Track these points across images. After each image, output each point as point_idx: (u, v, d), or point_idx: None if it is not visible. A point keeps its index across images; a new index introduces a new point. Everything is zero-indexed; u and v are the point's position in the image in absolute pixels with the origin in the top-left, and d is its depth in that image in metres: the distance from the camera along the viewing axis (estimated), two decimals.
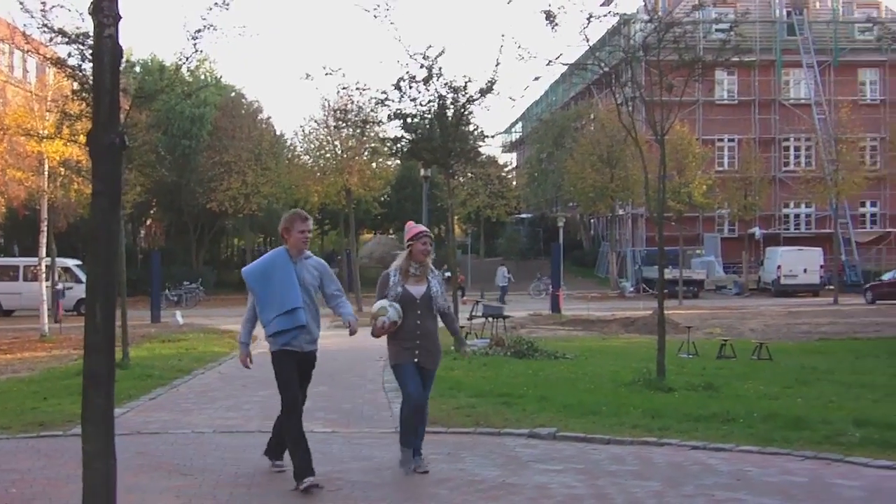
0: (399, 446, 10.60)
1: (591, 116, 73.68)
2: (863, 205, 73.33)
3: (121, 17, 6.09)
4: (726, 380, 19.78)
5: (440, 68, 27.97)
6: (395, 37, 54.25)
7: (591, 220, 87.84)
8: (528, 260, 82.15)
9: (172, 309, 48.62)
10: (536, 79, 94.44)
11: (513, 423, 14.03)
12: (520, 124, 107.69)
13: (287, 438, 9.92)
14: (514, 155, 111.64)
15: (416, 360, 10.39)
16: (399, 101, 28.73)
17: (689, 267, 62.77)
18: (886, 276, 58.57)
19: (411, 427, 10.42)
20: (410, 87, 28.27)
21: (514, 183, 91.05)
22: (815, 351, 28.80)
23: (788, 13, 75.16)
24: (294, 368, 9.99)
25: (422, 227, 10.73)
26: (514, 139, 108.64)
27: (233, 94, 71.71)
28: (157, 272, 44.73)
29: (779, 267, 62.67)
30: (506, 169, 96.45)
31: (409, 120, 29.13)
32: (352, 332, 10.23)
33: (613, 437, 12.83)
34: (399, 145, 30.86)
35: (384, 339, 10.55)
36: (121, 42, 6.13)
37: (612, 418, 14.43)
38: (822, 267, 63.06)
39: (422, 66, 27.88)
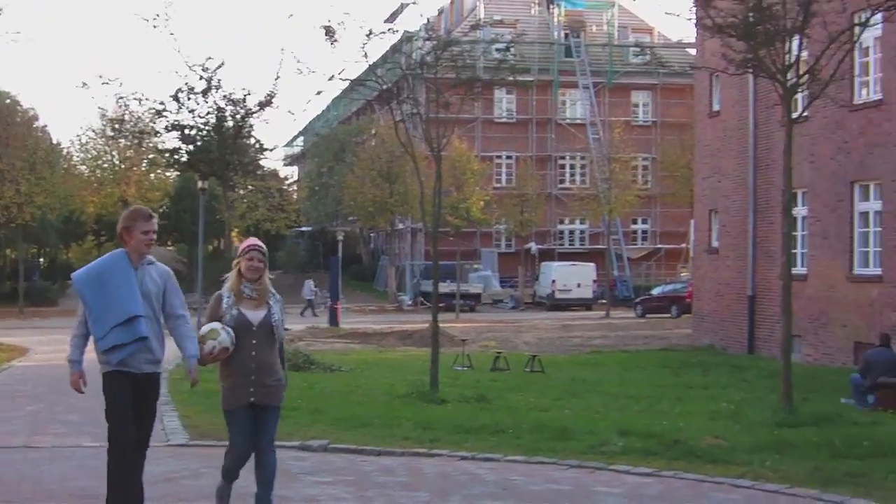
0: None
1: (372, 132, 73.93)
2: (634, 222, 75.43)
3: None
4: (499, 392, 20.15)
5: (219, 80, 27.79)
6: (175, 47, 53.42)
7: (371, 234, 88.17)
8: (307, 273, 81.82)
9: None
10: (319, 93, 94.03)
11: (284, 436, 13.94)
12: (301, 138, 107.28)
13: (110, 483, 8.42)
14: (295, 168, 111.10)
15: (251, 399, 8.78)
16: (177, 113, 28.38)
17: (467, 281, 63.55)
18: (656, 291, 60.46)
19: (232, 477, 9.12)
20: (189, 99, 27.98)
21: (295, 196, 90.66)
22: (585, 363, 29.53)
23: (566, 35, 76.89)
24: (129, 395, 8.34)
25: (253, 241, 9.18)
26: (295, 153, 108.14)
27: (7, 100, 69.45)
28: None
29: (553, 281, 63.92)
30: (287, 182, 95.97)
31: (187, 131, 28.77)
32: (193, 383, 8.71)
33: (384, 448, 12.96)
34: (177, 157, 30.43)
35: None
36: None
37: (384, 430, 14.56)
38: (594, 282, 64.60)
39: (201, 78, 27.64)
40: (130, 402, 8.35)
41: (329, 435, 13.98)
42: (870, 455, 11.49)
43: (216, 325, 8.69)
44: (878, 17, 21.36)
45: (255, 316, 8.93)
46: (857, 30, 20.48)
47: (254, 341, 8.86)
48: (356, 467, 11.87)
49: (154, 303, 8.54)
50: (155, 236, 8.71)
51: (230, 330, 8.69)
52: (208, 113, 28.03)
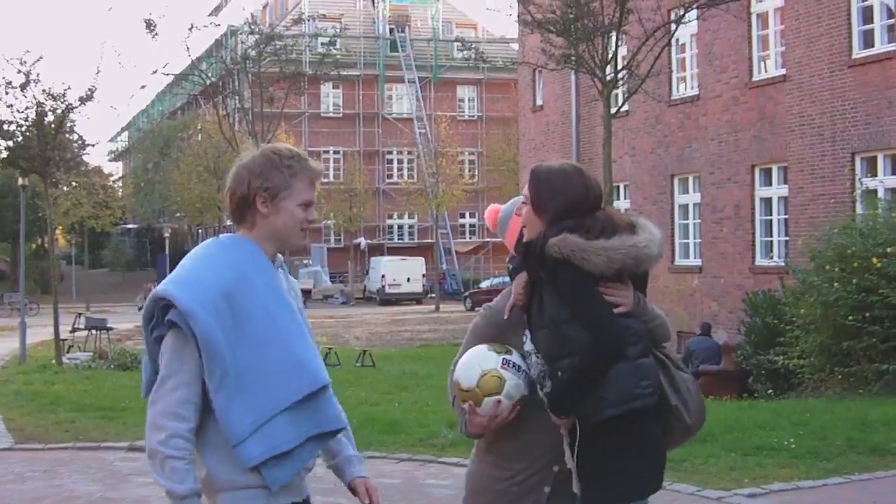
0: None
1: (198, 126, 73.07)
2: (462, 216, 75.98)
3: None
4: None
5: (38, 74, 27.19)
6: None
7: (199, 231, 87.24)
8: (134, 271, 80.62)
9: None
10: (142, 87, 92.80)
11: (113, 436, 13.84)
12: (126, 133, 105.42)
13: None
14: (120, 164, 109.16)
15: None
16: None
17: (297, 277, 63.20)
18: (484, 285, 61.08)
19: None
20: (7, 93, 27.33)
21: (121, 193, 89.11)
22: (416, 357, 29.79)
23: (391, 30, 77.03)
24: None
25: None
26: (120, 148, 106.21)
27: None
28: None
29: (383, 276, 64.03)
30: (112, 178, 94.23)
31: (5, 127, 28.09)
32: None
33: None
34: None
35: None
36: None
37: None
38: (424, 276, 64.96)
39: (19, 72, 27.01)
40: None
41: None
42: (691, 440, 11.89)
43: (491, 354, 4.25)
44: (693, 14, 22.06)
45: None
46: (672, 26, 21.13)
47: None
48: None
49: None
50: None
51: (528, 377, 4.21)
52: (27, 108, 27.40)
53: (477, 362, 4.20)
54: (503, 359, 4.18)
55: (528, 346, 4.19)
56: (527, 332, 4.19)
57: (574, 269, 3.95)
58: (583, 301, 3.99)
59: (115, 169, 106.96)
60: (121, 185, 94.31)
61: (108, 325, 31.47)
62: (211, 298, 3.77)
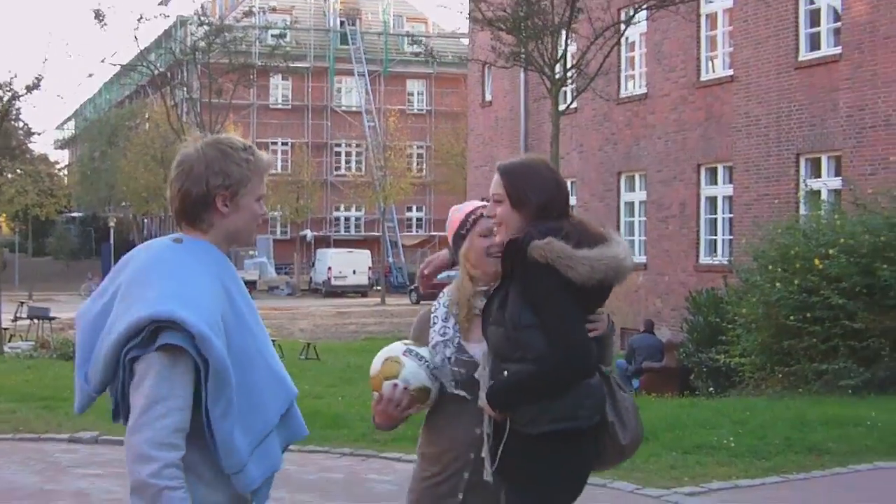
0: None
1: (146, 116, 72.61)
2: (409, 209, 76.07)
3: None
4: None
5: None
6: None
7: (145, 220, 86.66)
8: (79, 260, 79.93)
9: None
10: (90, 76, 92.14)
11: (54, 427, 13.71)
12: (73, 121, 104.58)
13: None
14: (66, 152, 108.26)
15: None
16: None
17: (242, 268, 63.00)
18: None
19: None
20: None
21: (67, 181, 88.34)
22: (360, 350, 29.72)
23: (342, 23, 76.88)
24: None
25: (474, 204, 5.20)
26: (67, 136, 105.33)
27: None
28: None
29: (329, 268, 63.95)
30: (58, 166, 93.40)
31: None
32: None
33: None
34: None
35: None
36: None
37: None
38: (370, 268, 64.97)
39: None
40: None
41: (99, 426, 13.73)
42: None
43: (399, 345, 4.47)
44: (643, 13, 22.20)
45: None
46: (622, 26, 21.24)
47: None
48: None
49: None
50: None
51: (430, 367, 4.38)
52: None
53: (386, 352, 4.37)
54: (407, 348, 4.32)
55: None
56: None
57: (557, 276, 3.87)
58: (557, 312, 3.91)
59: (62, 157, 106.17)
60: (67, 173, 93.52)
61: (51, 315, 31.23)
62: (215, 320, 3.46)
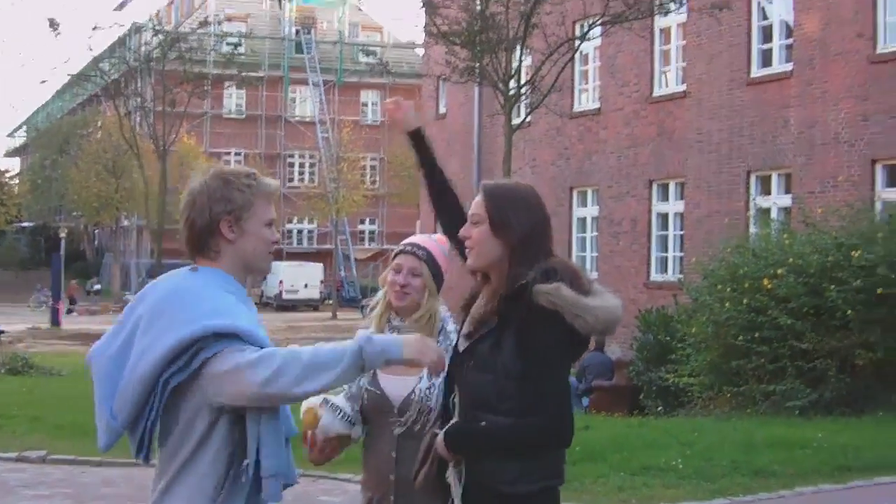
0: None
1: (98, 124, 72.12)
2: (362, 222, 75.84)
3: None
4: None
5: None
6: None
7: (96, 231, 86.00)
8: (28, 271, 79.14)
9: None
10: (43, 82, 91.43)
11: (1, 446, 13.57)
12: (24, 129, 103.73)
13: None
14: (17, 160, 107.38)
15: None
16: None
17: None
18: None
19: None
20: None
21: (17, 190, 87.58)
22: None
23: (297, 32, 76.63)
24: None
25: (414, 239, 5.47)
26: (17, 144, 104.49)
27: None
28: None
29: (281, 282, 63.27)
30: (7, 175, 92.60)
31: None
32: None
33: (105, 459, 12.64)
34: None
35: None
36: None
37: None
38: (322, 282, 64.67)
39: None
40: None
41: (48, 445, 13.60)
42: (581, 460, 11.91)
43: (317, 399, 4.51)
44: (597, 29, 22.28)
45: (402, 387, 4.62)
46: (576, 41, 21.32)
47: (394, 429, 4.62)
48: (76, 479, 11.64)
49: None
50: None
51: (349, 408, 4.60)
52: None
53: (306, 403, 4.48)
54: (324, 398, 4.45)
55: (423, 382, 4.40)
56: None
57: (562, 324, 3.67)
58: (556, 373, 3.75)
59: (12, 165, 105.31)
60: (17, 182, 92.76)
61: (0, 328, 30.89)
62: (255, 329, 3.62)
